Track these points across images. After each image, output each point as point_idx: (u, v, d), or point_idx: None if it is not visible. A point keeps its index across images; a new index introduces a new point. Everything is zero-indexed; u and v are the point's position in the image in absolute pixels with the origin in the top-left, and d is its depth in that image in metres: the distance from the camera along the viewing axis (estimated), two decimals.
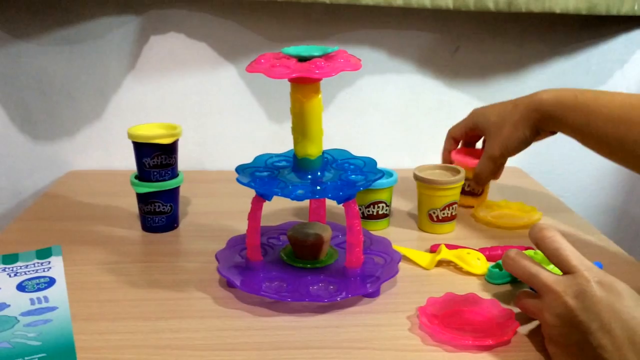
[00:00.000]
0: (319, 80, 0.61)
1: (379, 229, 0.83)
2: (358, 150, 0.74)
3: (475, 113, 0.86)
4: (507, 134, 0.78)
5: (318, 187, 0.63)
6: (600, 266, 0.63)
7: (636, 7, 0.95)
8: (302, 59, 0.61)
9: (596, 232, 0.84)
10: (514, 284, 0.68)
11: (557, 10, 0.92)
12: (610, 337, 0.48)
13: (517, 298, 0.59)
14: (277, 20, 1.02)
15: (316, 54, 0.61)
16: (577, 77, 1.10)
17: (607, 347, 0.48)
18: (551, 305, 0.52)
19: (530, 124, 0.76)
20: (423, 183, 0.80)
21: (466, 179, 0.85)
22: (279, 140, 1.08)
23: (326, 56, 0.61)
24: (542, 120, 0.75)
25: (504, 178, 1.08)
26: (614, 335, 0.48)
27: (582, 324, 0.50)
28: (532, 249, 0.69)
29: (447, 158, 0.90)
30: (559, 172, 1.16)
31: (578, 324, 0.50)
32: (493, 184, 1.03)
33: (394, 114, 1.10)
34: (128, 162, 0.86)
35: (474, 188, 0.90)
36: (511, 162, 1.14)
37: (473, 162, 0.86)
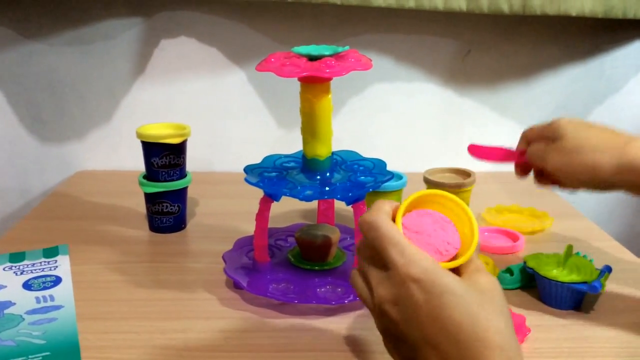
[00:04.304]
0: (329, 79, 0.61)
1: None
2: (368, 153, 0.73)
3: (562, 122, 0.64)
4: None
5: (327, 188, 0.62)
6: (610, 270, 0.62)
7: None
8: (312, 58, 0.60)
9: (608, 239, 0.83)
10: (525, 289, 0.67)
11: (573, 13, 0.91)
12: (437, 352, 0.39)
13: (351, 273, 0.46)
14: (286, 22, 1.02)
15: (327, 53, 0.60)
16: (590, 82, 1.09)
17: None
18: (377, 310, 0.43)
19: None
20: (433, 186, 0.79)
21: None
22: (287, 143, 1.07)
23: (337, 55, 0.60)
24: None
25: (515, 182, 1.06)
26: (441, 349, 0.39)
27: (409, 339, 0.40)
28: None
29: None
30: None
31: (405, 338, 0.41)
32: (504, 187, 1.02)
33: (404, 118, 1.09)
34: (137, 163, 0.85)
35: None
36: None
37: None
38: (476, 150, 0.72)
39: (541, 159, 0.63)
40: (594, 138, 0.59)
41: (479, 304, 0.39)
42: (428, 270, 0.40)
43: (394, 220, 0.43)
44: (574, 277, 0.60)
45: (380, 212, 0.43)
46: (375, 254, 0.42)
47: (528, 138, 0.67)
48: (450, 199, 0.45)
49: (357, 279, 0.45)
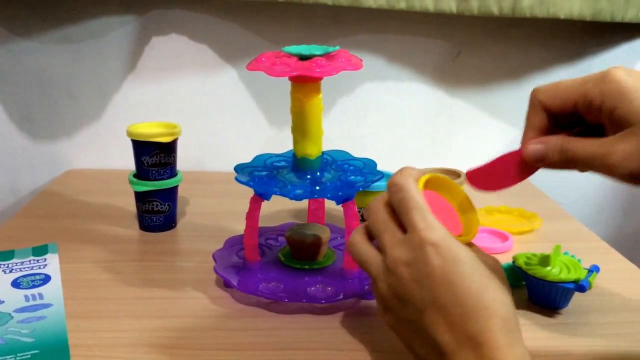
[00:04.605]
0: (319, 79, 0.61)
1: None
2: (358, 152, 0.73)
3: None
4: None
5: (317, 187, 0.62)
6: (598, 270, 0.63)
7: None
8: (303, 58, 0.60)
9: (596, 239, 0.84)
10: (514, 288, 0.67)
11: (562, 16, 0.92)
12: (443, 314, 0.41)
13: (351, 238, 0.48)
14: (278, 22, 1.02)
15: (317, 53, 0.60)
16: None
17: (439, 326, 0.41)
18: (385, 271, 0.44)
19: None
20: None
21: None
22: (278, 142, 1.08)
23: (327, 55, 0.61)
24: None
25: None
26: (447, 312, 0.41)
27: (415, 300, 0.42)
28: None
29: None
30: (559, 178, 1.15)
31: (412, 300, 0.42)
32: None
33: (394, 118, 1.10)
34: (127, 162, 0.85)
35: None
36: None
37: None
38: (476, 178, 0.50)
39: (607, 166, 0.40)
40: None
41: (489, 277, 0.42)
42: (446, 237, 0.42)
43: None
44: (562, 277, 0.61)
45: (410, 177, 0.46)
46: (394, 216, 0.45)
47: (551, 108, 0.45)
48: (454, 188, 0.48)
49: (361, 244, 0.47)
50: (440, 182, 0.48)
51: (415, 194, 0.44)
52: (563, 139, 0.43)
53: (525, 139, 0.46)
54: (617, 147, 0.39)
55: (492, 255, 0.47)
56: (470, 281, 0.41)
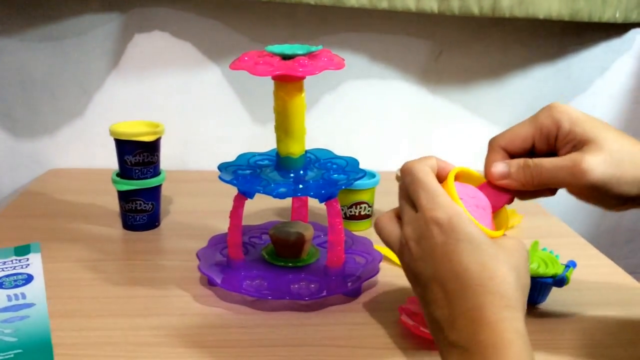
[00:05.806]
0: (302, 78, 0.62)
1: (361, 230, 0.83)
2: (341, 151, 0.74)
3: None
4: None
5: (300, 186, 0.63)
6: (574, 265, 0.64)
7: (617, 15, 0.97)
8: (285, 57, 0.61)
9: (575, 236, 0.85)
10: None
11: (541, 16, 0.93)
12: (443, 290, 0.42)
13: (378, 217, 0.50)
14: (261, 21, 1.02)
15: (300, 52, 0.61)
16: (558, 83, 1.11)
17: (439, 301, 0.43)
18: (401, 247, 0.47)
19: None
20: None
21: None
22: (262, 140, 1.07)
23: (310, 55, 0.61)
24: None
25: None
26: (446, 287, 0.42)
27: (422, 276, 0.44)
28: None
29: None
30: None
31: (419, 275, 0.45)
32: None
33: (377, 117, 1.11)
34: (110, 160, 0.85)
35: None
36: None
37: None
38: None
39: (576, 174, 0.45)
40: (625, 146, 0.47)
41: (493, 256, 0.42)
42: (453, 217, 0.43)
43: (439, 176, 0.48)
44: (540, 272, 0.62)
45: (422, 161, 0.47)
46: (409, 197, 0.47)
47: (511, 150, 0.50)
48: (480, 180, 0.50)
49: (386, 222, 0.49)
50: (470, 175, 0.50)
51: (424, 175, 0.46)
52: (525, 159, 0.48)
53: (487, 169, 0.50)
54: (584, 157, 0.45)
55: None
56: (469, 260, 0.42)
